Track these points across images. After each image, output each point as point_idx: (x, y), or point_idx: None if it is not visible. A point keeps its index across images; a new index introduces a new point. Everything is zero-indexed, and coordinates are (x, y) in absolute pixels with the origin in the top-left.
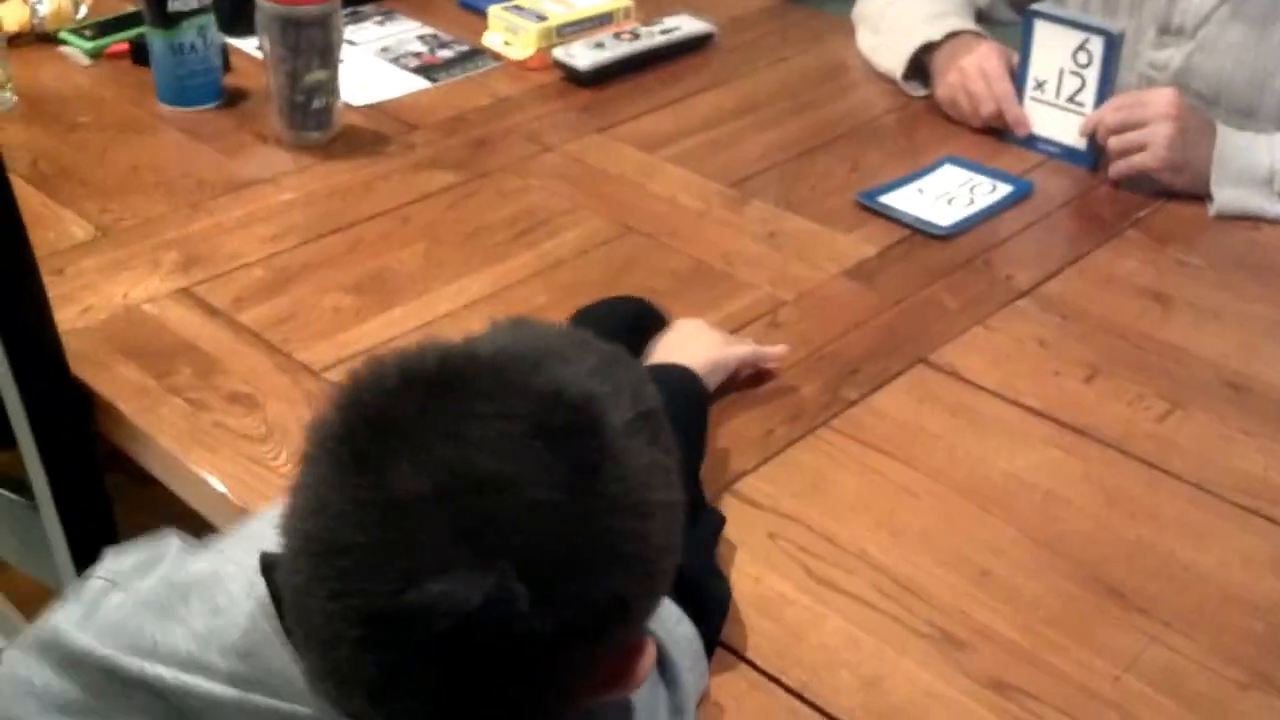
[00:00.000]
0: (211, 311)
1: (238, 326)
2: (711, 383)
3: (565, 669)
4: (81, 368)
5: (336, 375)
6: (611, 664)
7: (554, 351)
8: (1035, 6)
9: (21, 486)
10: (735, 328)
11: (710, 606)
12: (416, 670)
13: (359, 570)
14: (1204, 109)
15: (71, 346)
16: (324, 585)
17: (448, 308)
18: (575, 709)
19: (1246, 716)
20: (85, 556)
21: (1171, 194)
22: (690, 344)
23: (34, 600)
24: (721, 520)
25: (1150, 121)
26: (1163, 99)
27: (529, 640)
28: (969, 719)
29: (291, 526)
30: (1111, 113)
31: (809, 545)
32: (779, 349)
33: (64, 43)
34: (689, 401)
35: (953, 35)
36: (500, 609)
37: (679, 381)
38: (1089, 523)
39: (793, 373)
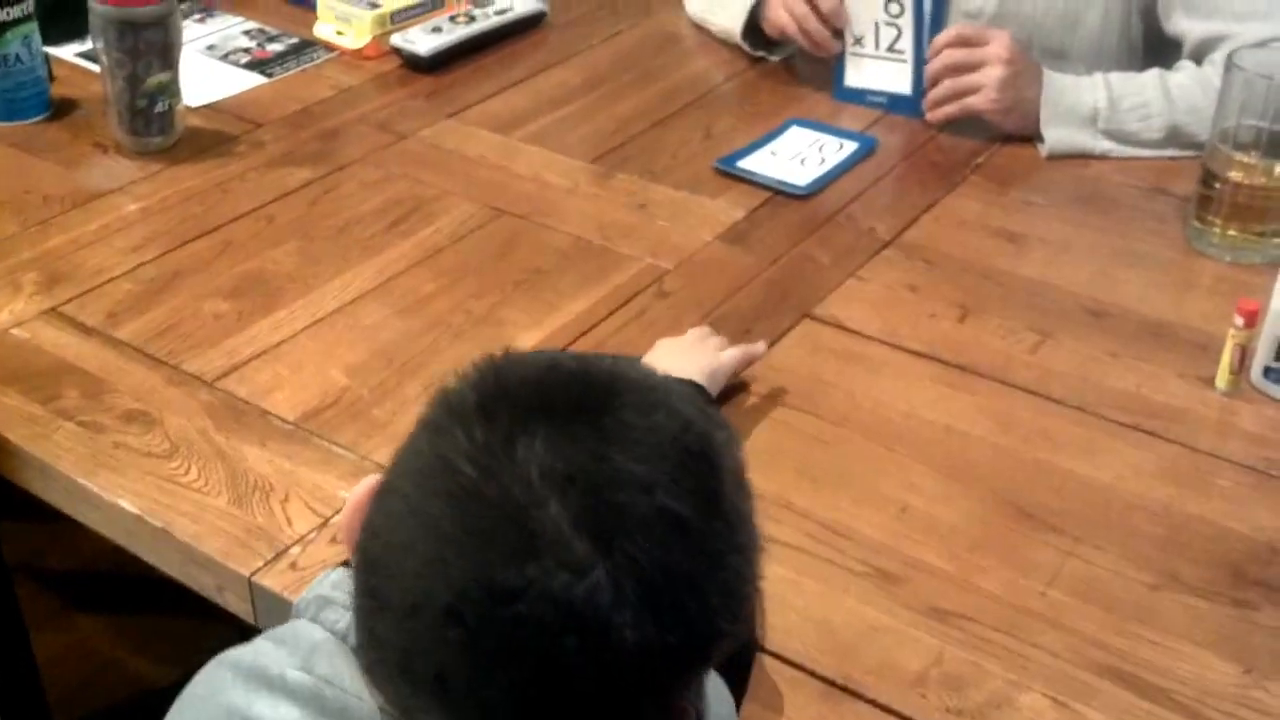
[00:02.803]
0: (85, 330)
1: (117, 343)
2: (713, 394)
3: (638, 693)
4: None
5: (232, 383)
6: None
7: (664, 391)
8: None
9: None
10: (625, 300)
11: (744, 673)
12: (496, 654)
13: (467, 538)
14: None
15: None
16: (421, 551)
17: (334, 304)
18: None
19: (1162, 613)
20: None
21: (1004, 137)
22: (683, 360)
23: None
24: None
25: (985, 63)
26: (999, 43)
27: (621, 647)
28: (917, 646)
29: (395, 488)
30: (949, 52)
31: None
32: (759, 346)
33: None
34: None
35: None
36: (603, 604)
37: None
38: (989, 451)
39: None
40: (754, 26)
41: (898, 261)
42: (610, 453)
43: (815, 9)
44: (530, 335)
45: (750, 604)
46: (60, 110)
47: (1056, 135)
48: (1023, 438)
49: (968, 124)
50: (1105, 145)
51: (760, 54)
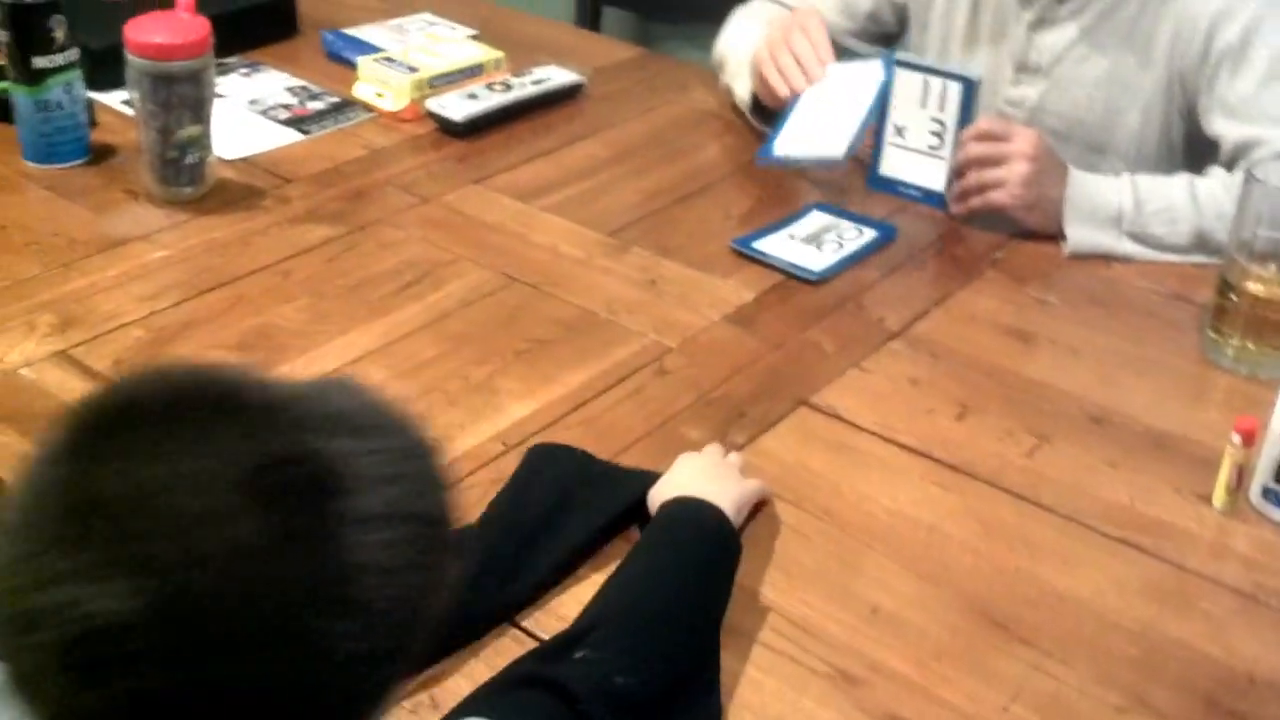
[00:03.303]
0: (91, 374)
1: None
2: (738, 522)
3: None
4: None
5: None
6: None
7: (336, 418)
8: (898, 55)
9: None
10: (623, 376)
11: None
12: (41, 677)
13: (19, 557)
14: (1058, 147)
15: None
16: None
17: (336, 363)
18: None
19: None
20: None
21: (1025, 233)
22: (713, 485)
23: None
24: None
25: (1009, 159)
26: (1024, 139)
27: (141, 691)
28: None
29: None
30: (974, 146)
31: None
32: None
33: None
34: (717, 558)
35: None
36: (112, 638)
37: (708, 526)
38: (969, 556)
39: (681, 417)
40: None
41: (903, 354)
42: (173, 481)
43: (804, 40)
44: (523, 405)
45: (358, 668)
46: (98, 155)
47: (1079, 235)
48: (1006, 544)
49: (991, 218)
50: (1129, 248)
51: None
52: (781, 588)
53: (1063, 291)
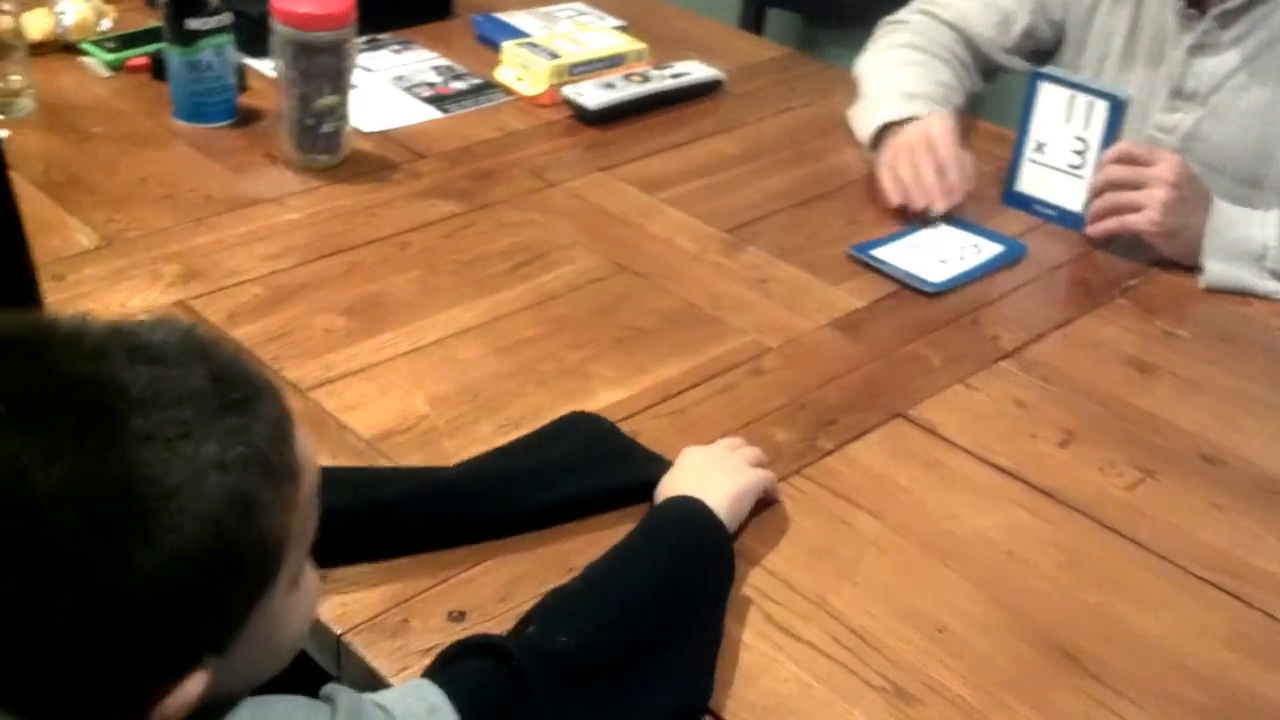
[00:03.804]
0: (205, 325)
1: (230, 341)
2: (738, 515)
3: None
4: None
5: (323, 395)
6: (99, 679)
7: (140, 348)
8: (1044, 70)
9: None
10: (718, 372)
11: None
12: None
13: None
14: (1205, 178)
15: None
16: None
17: (437, 335)
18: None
19: None
20: None
21: (1163, 263)
22: (706, 479)
23: None
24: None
25: (1149, 183)
26: (1166, 164)
27: None
28: None
29: None
30: (1113, 168)
31: (770, 590)
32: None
33: (85, 53)
34: (695, 539)
35: (914, 119)
36: None
37: (687, 517)
38: (1048, 585)
39: (771, 419)
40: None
41: (1012, 374)
42: None
43: (931, 169)
44: (614, 392)
45: (115, 560)
46: (244, 118)
47: (1218, 269)
48: (1089, 576)
49: (1129, 245)
50: (1270, 286)
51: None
52: (848, 597)
53: (1193, 325)
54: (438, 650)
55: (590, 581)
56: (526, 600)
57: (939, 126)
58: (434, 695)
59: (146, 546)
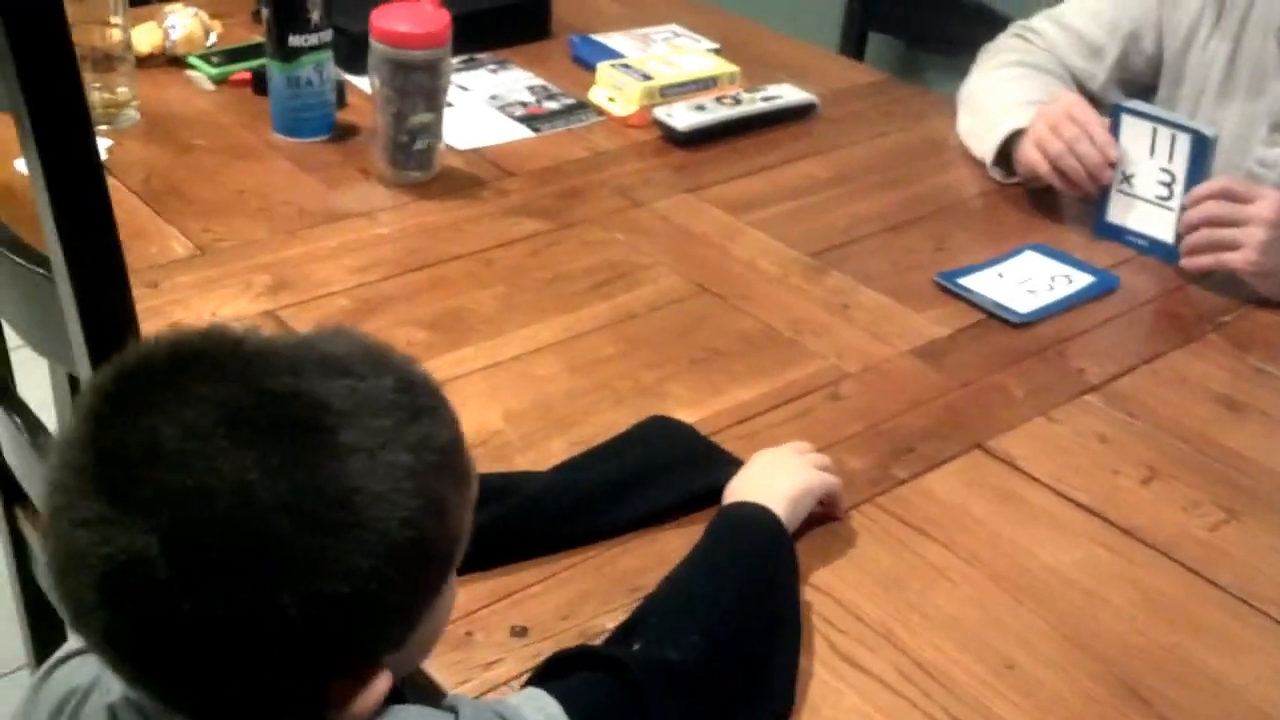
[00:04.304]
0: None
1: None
2: (797, 516)
3: (218, 659)
4: None
5: None
6: (304, 682)
7: (327, 360)
8: (1126, 103)
9: None
10: (794, 396)
11: None
12: (89, 609)
13: (60, 507)
14: None
15: None
16: (48, 515)
17: (516, 351)
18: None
19: None
20: None
21: (1259, 299)
22: (767, 479)
23: None
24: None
25: (1248, 221)
26: (1267, 202)
27: (171, 614)
28: None
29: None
30: (1212, 204)
31: (835, 619)
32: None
33: (192, 67)
34: (764, 546)
35: None
36: (137, 571)
37: (754, 523)
38: (1124, 625)
39: (846, 445)
40: (1007, 155)
41: (1097, 409)
42: (163, 427)
43: (1079, 143)
44: (688, 413)
45: (369, 581)
46: (342, 133)
47: None
48: (1167, 619)
49: (1224, 280)
50: None
51: (1014, 181)
52: (916, 629)
53: None
54: (498, 664)
55: (682, 593)
56: (589, 619)
57: (1078, 102)
58: (551, 705)
59: (361, 551)
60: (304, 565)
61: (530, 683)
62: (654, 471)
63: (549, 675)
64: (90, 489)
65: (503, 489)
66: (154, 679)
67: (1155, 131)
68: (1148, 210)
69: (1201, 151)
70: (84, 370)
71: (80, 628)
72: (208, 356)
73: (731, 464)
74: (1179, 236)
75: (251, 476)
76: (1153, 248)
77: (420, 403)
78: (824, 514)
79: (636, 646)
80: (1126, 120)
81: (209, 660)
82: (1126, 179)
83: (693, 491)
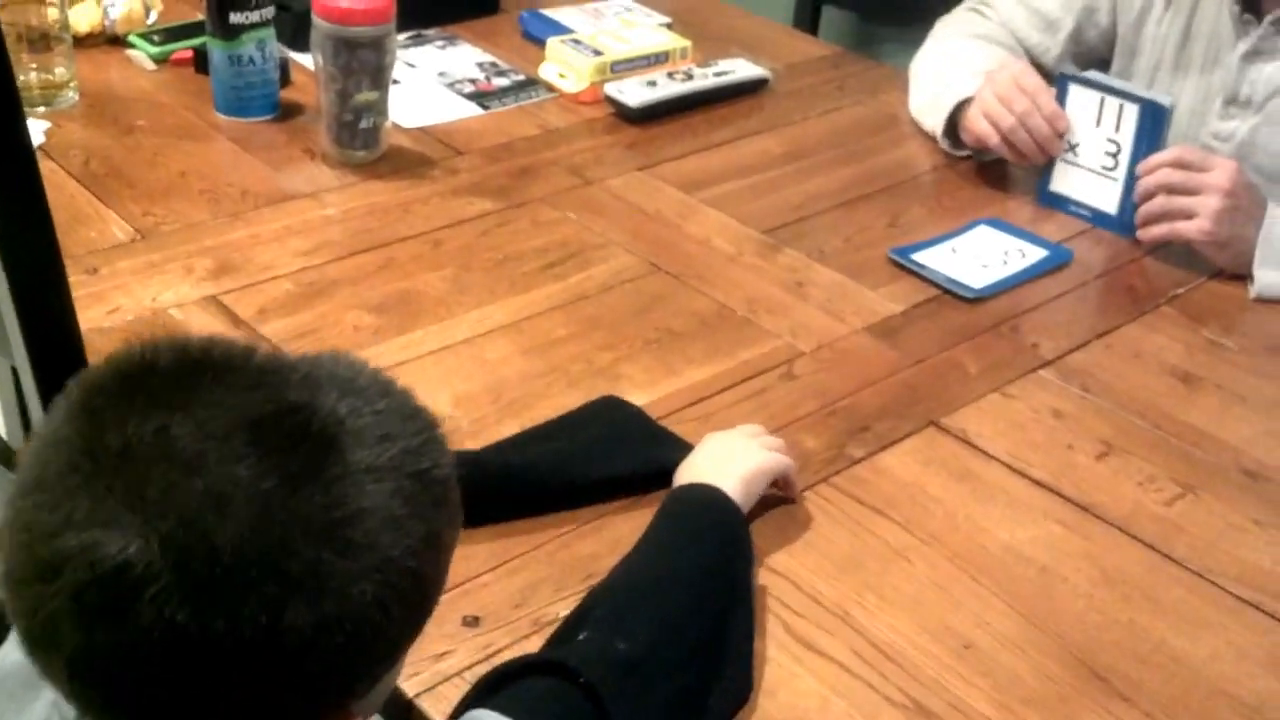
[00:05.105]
0: (235, 320)
1: (258, 337)
2: (751, 496)
3: (207, 683)
4: None
5: None
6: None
7: (340, 380)
8: (1070, 72)
9: None
10: (749, 376)
11: None
12: (59, 623)
13: (39, 507)
14: (1261, 186)
15: (95, 345)
16: (14, 518)
17: (466, 334)
18: None
19: None
20: None
21: (1213, 271)
22: (719, 461)
23: None
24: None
25: (1203, 190)
26: (1221, 172)
27: (164, 628)
28: None
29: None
30: (1166, 171)
31: (792, 602)
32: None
33: (132, 46)
34: (717, 527)
35: None
36: (134, 578)
37: (705, 505)
38: (1081, 602)
39: (801, 425)
40: (955, 128)
41: (1051, 384)
42: (176, 430)
43: (1030, 117)
44: (642, 394)
45: (371, 610)
46: (286, 113)
47: (1269, 278)
48: (1124, 594)
49: (1177, 253)
50: None
51: (964, 154)
52: (873, 610)
53: (1241, 336)
54: (450, 655)
55: (633, 581)
56: (542, 606)
57: (1025, 70)
58: None
59: (367, 575)
60: (314, 584)
61: (469, 703)
62: (606, 447)
63: (492, 689)
64: (80, 487)
65: None
66: (124, 710)
67: (1103, 101)
68: (1092, 180)
69: (1158, 121)
70: (21, 361)
71: (37, 649)
72: (219, 362)
73: (681, 448)
74: (1124, 207)
75: (268, 485)
76: (1095, 218)
77: (424, 432)
78: (778, 496)
79: (583, 636)
80: (1073, 90)
81: (197, 685)
82: (1071, 148)
83: (639, 471)
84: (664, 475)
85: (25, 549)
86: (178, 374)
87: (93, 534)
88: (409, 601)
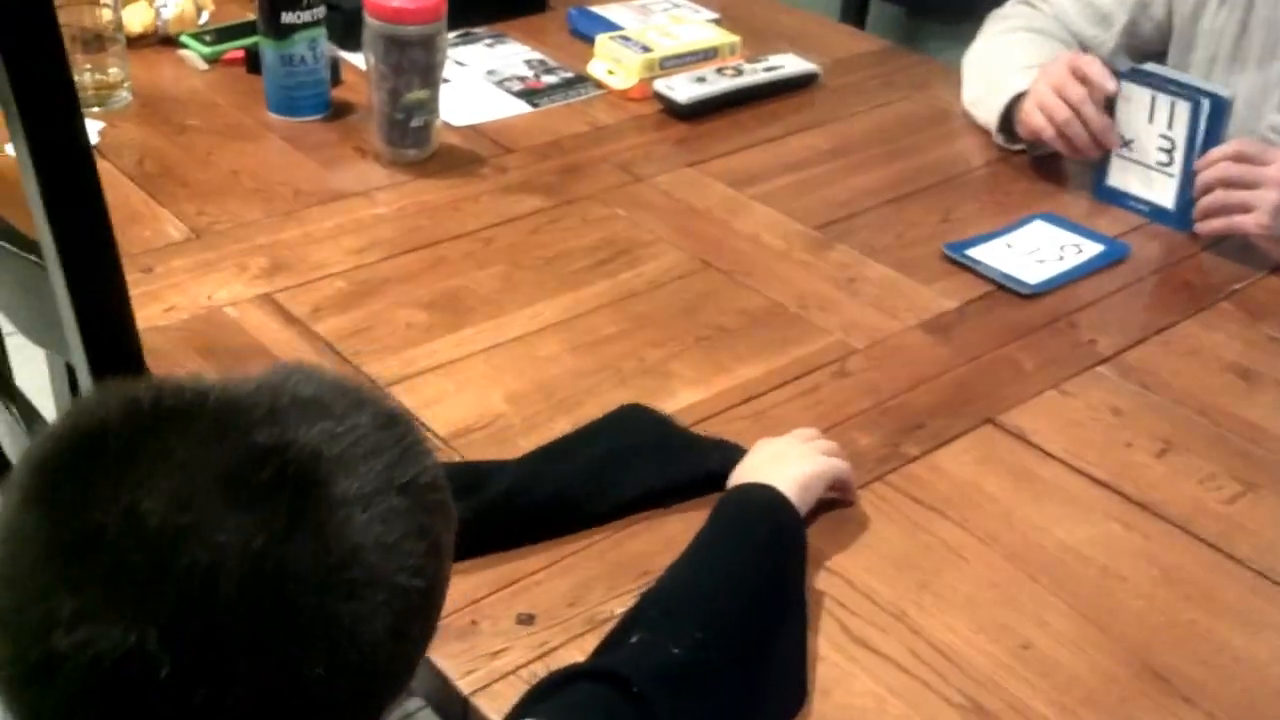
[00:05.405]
0: (289, 319)
1: (312, 335)
2: (807, 501)
3: None
4: (157, 364)
5: (401, 390)
6: None
7: (305, 404)
8: (1127, 67)
9: None
10: (801, 373)
11: None
12: (74, 718)
13: (18, 607)
14: None
15: (150, 343)
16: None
17: (518, 331)
18: None
19: None
20: None
21: (1273, 266)
22: (775, 464)
23: None
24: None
25: (1262, 184)
26: None
27: (180, 708)
28: None
29: None
30: (1225, 165)
31: (848, 601)
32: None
33: (184, 46)
34: (774, 529)
35: None
36: (139, 670)
37: (762, 505)
38: (1141, 602)
39: (854, 423)
40: (1010, 123)
41: (1109, 380)
42: (148, 504)
43: (1085, 106)
44: (693, 392)
45: (380, 644)
46: (337, 112)
47: None
48: (1185, 594)
49: (1236, 248)
50: None
51: (1019, 149)
52: (930, 610)
53: None
54: (505, 652)
55: (685, 583)
56: (596, 605)
57: (1083, 58)
58: None
59: (377, 610)
60: (324, 633)
61: (522, 708)
62: (638, 460)
63: (544, 696)
64: (58, 585)
65: (471, 484)
66: None
67: (1154, 99)
68: (1148, 175)
69: (1218, 114)
70: (79, 359)
71: None
72: (173, 412)
73: (728, 450)
74: (1181, 202)
75: (257, 545)
76: (1153, 214)
77: (403, 438)
78: (835, 500)
79: (635, 639)
80: (1126, 86)
81: None
82: (1126, 144)
83: (685, 480)
84: (712, 480)
85: (13, 649)
86: (131, 436)
87: (83, 632)
88: (422, 616)
